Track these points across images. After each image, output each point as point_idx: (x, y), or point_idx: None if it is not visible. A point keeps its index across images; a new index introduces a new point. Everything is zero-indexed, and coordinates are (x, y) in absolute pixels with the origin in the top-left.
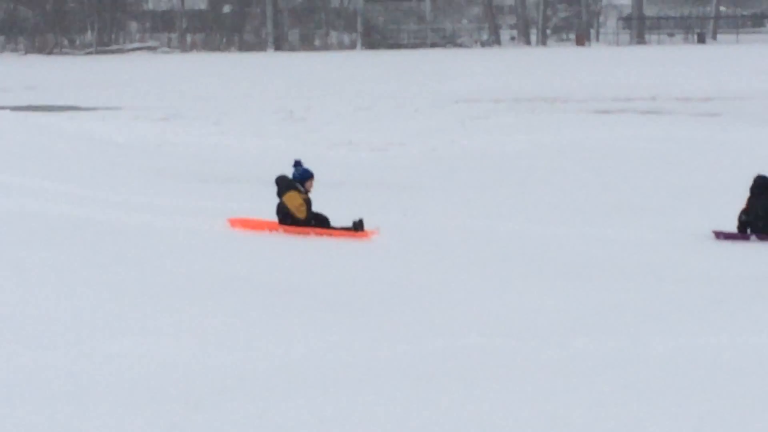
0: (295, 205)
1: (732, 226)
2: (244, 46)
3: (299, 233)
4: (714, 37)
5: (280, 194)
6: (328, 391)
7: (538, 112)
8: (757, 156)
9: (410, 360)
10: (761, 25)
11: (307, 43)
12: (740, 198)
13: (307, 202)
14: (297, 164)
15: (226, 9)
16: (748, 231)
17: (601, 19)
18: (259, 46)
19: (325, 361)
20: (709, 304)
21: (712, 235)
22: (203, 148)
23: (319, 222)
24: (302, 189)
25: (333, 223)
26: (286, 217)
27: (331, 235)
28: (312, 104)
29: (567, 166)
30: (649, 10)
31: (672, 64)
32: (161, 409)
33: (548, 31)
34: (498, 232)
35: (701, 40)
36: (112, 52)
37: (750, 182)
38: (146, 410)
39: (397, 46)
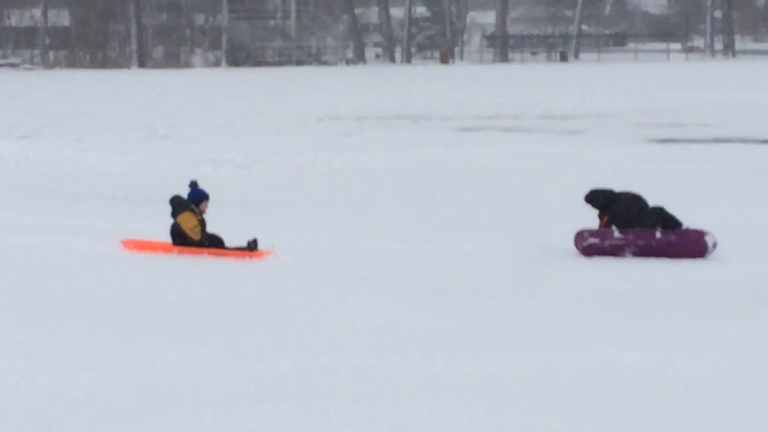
0: (190, 227)
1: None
2: (108, 64)
3: (193, 254)
4: (576, 56)
5: (174, 215)
6: (176, 410)
7: (402, 130)
8: (617, 172)
9: (268, 378)
10: (623, 44)
11: (171, 61)
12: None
13: (202, 224)
14: (192, 185)
15: (90, 26)
16: (613, 227)
17: (466, 37)
18: (123, 63)
19: (181, 379)
20: (571, 319)
21: (575, 241)
22: (64, 166)
23: (213, 243)
24: (197, 210)
25: (227, 243)
26: (180, 239)
27: (225, 255)
28: (175, 122)
29: (430, 184)
30: (513, 29)
31: (535, 83)
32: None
33: (413, 50)
34: (364, 250)
35: (564, 58)
36: None
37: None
38: None
39: (262, 63)
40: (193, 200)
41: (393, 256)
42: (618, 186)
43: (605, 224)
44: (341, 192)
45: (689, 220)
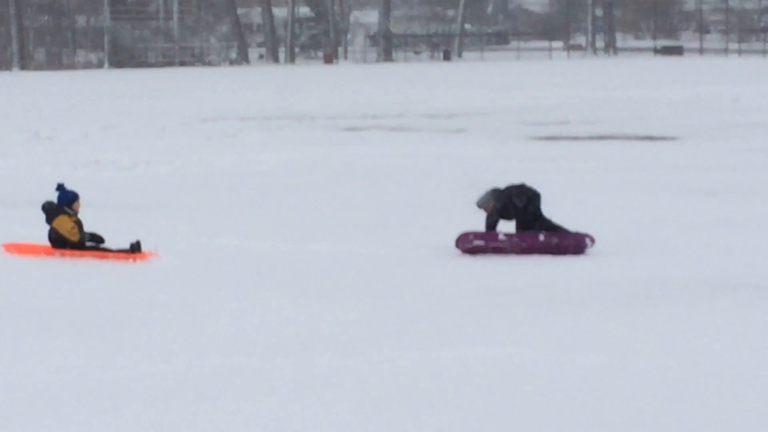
0: (67, 229)
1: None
2: None
3: (76, 256)
4: (459, 55)
5: (49, 221)
6: (57, 414)
7: (287, 130)
8: (501, 170)
9: (152, 380)
10: (505, 42)
11: (53, 62)
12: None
13: (78, 224)
14: (60, 188)
15: None
16: (499, 230)
17: (349, 37)
18: (4, 65)
19: (63, 382)
20: (454, 317)
21: (458, 242)
22: None
23: (94, 240)
24: (71, 211)
25: (108, 244)
26: (59, 242)
27: (108, 257)
28: (58, 124)
29: (315, 184)
30: (396, 28)
31: (418, 81)
32: None
33: (296, 50)
34: (248, 251)
35: (447, 57)
36: None
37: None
38: None
39: (145, 64)
40: (65, 202)
41: (278, 256)
42: (504, 183)
43: (491, 212)
44: (226, 193)
45: (570, 217)
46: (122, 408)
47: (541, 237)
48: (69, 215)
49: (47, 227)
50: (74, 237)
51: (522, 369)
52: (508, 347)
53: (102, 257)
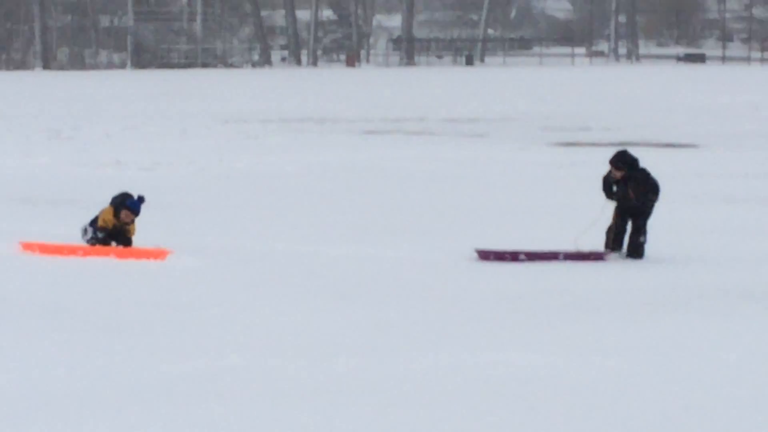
0: (104, 218)
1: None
2: (12, 65)
3: (96, 255)
4: (482, 60)
5: (111, 203)
6: (74, 413)
7: (308, 133)
8: (521, 175)
9: (171, 380)
10: (528, 48)
11: (76, 62)
12: (503, 217)
13: (113, 228)
14: (140, 199)
15: None
16: (521, 254)
17: (372, 40)
18: (26, 64)
19: (81, 382)
20: (473, 322)
21: (475, 254)
22: None
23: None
24: (120, 215)
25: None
26: (93, 221)
27: (129, 256)
28: (80, 123)
29: (337, 187)
30: (419, 33)
31: (440, 86)
32: None
33: (319, 52)
34: (269, 252)
35: (469, 62)
36: None
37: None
38: None
39: (167, 65)
40: (128, 207)
41: (297, 259)
42: (524, 188)
43: (618, 217)
44: (246, 194)
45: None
46: (142, 408)
47: (561, 257)
48: (116, 217)
49: (71, 223)
50: (100, 224)
51: (541, 374)
52: (528, 353)
53: (121, 256)
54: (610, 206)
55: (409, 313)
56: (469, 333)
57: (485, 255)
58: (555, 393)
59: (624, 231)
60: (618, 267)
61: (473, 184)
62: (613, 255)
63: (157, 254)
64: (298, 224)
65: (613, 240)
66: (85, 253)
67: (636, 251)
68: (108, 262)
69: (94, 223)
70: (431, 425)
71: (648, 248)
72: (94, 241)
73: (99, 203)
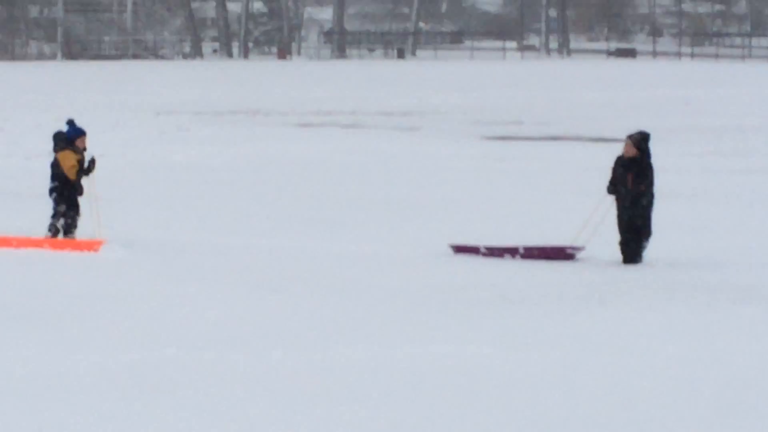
0: (68, 165)
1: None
2: None
3: (29, 246)
4: (414, 53)
5: (55, 150)
6: (9, 405)
7: (240, 125)
8: (454, 169)
9: (105, 372)
10: (459, 42)
11: (6, 53)
12: (438, 211)
13: (80, 164)
14: (71, 122)
15: None
16: (481, 246)
17: (303, 33)
18: None
19: (15, 374)
20: (408, 314)
21: (450, 249)
22: None
23: (87, 172)
24: (77, 149)
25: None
26: (55, 171)
27: (62, 247)
28: (11, 115)
29: (269, 179)
30: (350, 25)
31: (373, 79)
32: None
33: (250, 45)
34: (199, 243)
35: (401, 55)
36: None
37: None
38: None
39: (98, 57)
40: (73, 136)
41: (228, 250)
42: (457, 181)
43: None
44: (179, 186)
45: (520, 215)
46: (76, 399)
47: (521, 250)
48: (75, 152)
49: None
50: (72, 175)
51: (478, 365)
52: (462, 344)
53: (55, 247)
54: (607, 202)
55: (344, 306)
56: (404, 325)
57: (460, 249)
58: (494, 384)
59: (633, 241)
60: (552, 263)
61: (406, 177)
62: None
63: (90, 245)
64: (230, 216)
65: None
66: (19, 244)
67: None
68: (41, 253)
69: (57, 176)
70: (363, 416)
71: (584, 242)
72: (71, 192)
73: (30, 195)
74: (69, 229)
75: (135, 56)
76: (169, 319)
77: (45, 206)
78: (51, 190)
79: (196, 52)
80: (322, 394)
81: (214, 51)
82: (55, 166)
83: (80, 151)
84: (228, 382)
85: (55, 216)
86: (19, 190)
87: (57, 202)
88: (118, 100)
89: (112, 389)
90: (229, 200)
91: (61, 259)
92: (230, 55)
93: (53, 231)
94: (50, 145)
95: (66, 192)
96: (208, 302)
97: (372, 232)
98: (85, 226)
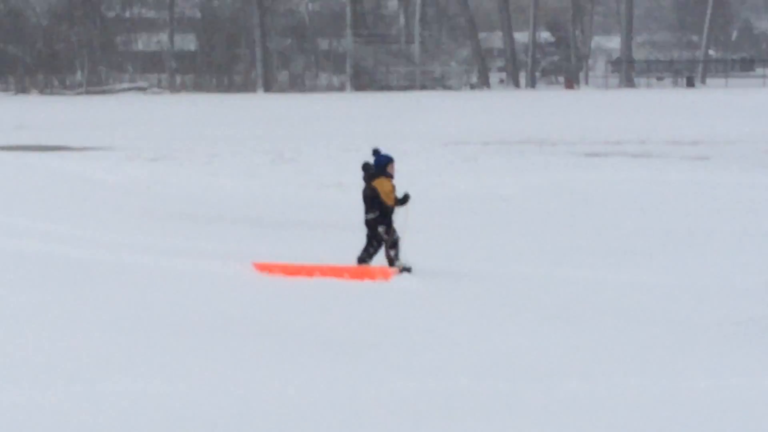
0: (386, 191)
1: (732, 274)
2: (234, 87)
3: (326, 275)
4: (703, 81)
5: (370, 179)
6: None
7: (527, 155)
8: (746, 199)
9: (396, 400)
10: (750, 69)
11: (296, 85)
12: (731, 241)
13: (393, 189)
14: (376, 152)
15: (216, 50)
16: None
17: (590, 62)
18: (248, 87)
19: (311, 401)
20: (685, 346)
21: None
22: (194, 189)
23: (403, 202)
24: (387, 173)
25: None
26: (372, 201)
27: (362, 277)
28: (302, 146)
29: (557, 209)
30: (638, 54)
31: (661, 108)
32: None
33: (537, 74)
34: (491, 273)
35: (690, 83)
36: (102, 92)
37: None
38: None
39: (386, 88)
40: (385, 162)
41: (519, 280)
42: (749, 212)
43: None
44: (467, 216)
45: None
46: (367, 425)
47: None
48: (389, 178)
49: (362, 185)
50: (390, 201)
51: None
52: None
53: (352, 276)
54: None
55: (631, 337)
56: (692, 358)
57: None
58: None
59: None
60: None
61: (698, 208)
62: None
63: (383, 273)
64: (521, 246)
65: None
66: (322, 274)
67: None
68: (335, 283)
69: (375, 205)
70: None
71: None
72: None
73: (320, 225)
74: (369, 257)
75: (423, 87)
76: (459, 349)
77: (336, 236)
78: (369, 221)
79: (483, 83)
80: (610, 428)
81: (501, 81)
82: (371, 195)
83: (391, 177)
84: (520, 413)
85: (373, 246)
86: (312, 221)
87: (375, 232)
88: (406, 130)
89: (407, 416)
90: (519, 230)
91: (354, 287)
92: (517, 85)
93: (364, 260)
94: (340, 175)
95: (386, 221)
96: (498, 333)
97: (662, 262)
98: (378, 256)
